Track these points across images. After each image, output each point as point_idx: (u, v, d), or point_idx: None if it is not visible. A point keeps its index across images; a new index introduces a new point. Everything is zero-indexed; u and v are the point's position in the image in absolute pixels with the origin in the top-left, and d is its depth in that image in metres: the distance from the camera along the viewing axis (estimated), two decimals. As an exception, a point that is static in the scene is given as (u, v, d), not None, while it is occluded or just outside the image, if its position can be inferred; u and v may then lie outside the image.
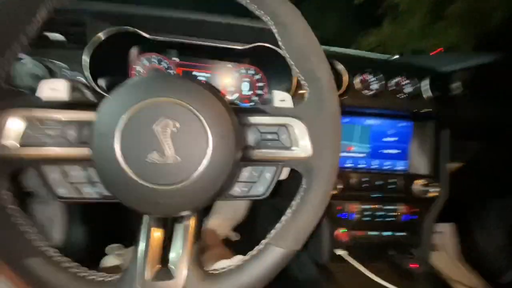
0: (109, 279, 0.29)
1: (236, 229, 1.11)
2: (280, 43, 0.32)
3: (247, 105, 0.74)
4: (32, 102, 0.28)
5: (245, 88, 0.73)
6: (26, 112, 0.27)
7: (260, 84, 0.73)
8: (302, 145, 0.32)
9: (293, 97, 0.61)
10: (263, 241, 0.32)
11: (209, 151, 0.28)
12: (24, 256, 0.27)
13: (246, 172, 0.34)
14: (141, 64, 0.68)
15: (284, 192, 0.49)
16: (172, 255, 0.32)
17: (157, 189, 0.27)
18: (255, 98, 0.74)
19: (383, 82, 0.67)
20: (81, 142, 0.29)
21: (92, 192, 0.30)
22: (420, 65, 0.75)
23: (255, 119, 0.33)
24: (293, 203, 0.32)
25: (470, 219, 0.97)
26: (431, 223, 0.75)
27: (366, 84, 0.67)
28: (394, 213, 0.71)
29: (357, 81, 0.66)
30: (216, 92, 0.31)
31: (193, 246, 0.31)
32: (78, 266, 0.29)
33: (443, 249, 1.18)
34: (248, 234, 1.09)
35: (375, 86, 0.67)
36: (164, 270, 0.30)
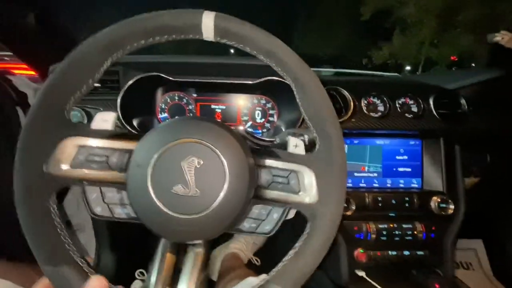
0: None
1: (257, 254, 1.14)
2: (297, 100, 0.36)
3: (259, 132, 0.79)
4: (84, 132, 0.34)
5: (258, 116, 0.79)
6: (80, 140, 0.33)
7: (272, 111, 0.79)
8: (309, 191, 0.35)
9: (302, 123, 0.66)
10: (263, 277, 0.34)
11: (225, 187, 0.32)
12: (60, 262, 0.30)
13: (255, 210, 0.37)
14: (165, 102, 0.76)
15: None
16: (181, 280, 0.35)
17: (177, 217, 0.31)
18: (268, 125, 0.79)
19: (390, 103, 0.70)
20: (120, 168, 0.34)
21: (122, 213, 0.35)
22: (425, 84, 0.78)
23: (269, 162, 0.36)
24: (296, 245, 0.34)
25: (497, 234, 0.93)
26: (452, 240, 0.73)
27: (373, 107, 0.70)
28: (412, 232, 0.71)
29: (363, 104, 0.70)
30: (237, 135, 0.35)
31: (201, 274, 0.35)
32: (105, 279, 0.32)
33: (477, 266, 1.12)
34: (268, 259, 1.10)
35: (381, 108, 0.70)
36: None
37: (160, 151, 0.32)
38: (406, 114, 0.71)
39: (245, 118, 0.79)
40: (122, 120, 0.63)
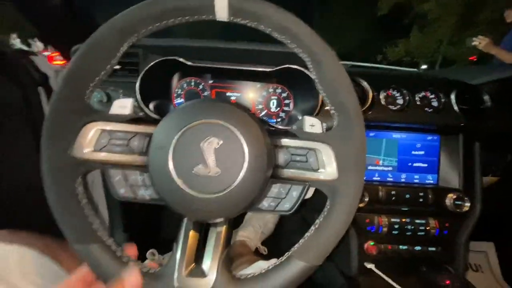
0: (152, 271, 0.33)
1: (264, 243, 1.15)
2: (314, 76, 0.35)
3: (274, 121, 0.79)
4: (105, 117, 0.35)
5: (273, 105, 0.79)
6: (101, 125, 0.34)
7: (287, 101, 0.78)
8: (328, 168, 0.35)
9: (318, 113, 0.66)
10: (286, 254, 0.34)
11: (245, 167, 0.32)
12: (89, 241, 0.32)
13: (275, 189, 0.36)
14: (181, 87, 0.77)
15: (310, 209, 0.51)
16: (205, 257, 0.36)
17: (199, 196, 0.32)
18: (282, 114, 0.79)
19: (409, 96, 0.69)
20: (140, 151, 0.35)
21: (145, 194, 0.35)
22: (447, 79, 0.75)
23: (286, 142, 0.36)
24: (317, 221, 0.35)
25: (509, 238, 0.91)
26: (465, 239, 0.72)
27: (391, 99, 0.69)
28: (425, 227, 0.70)
29: (382, 96, 0.68)
30: (254, 117, 0.35)
31: (223, 251, 0.35)
32: (128, 257, 0.34)
33: (486, 269, 1.10)
34: (275, 248, 1.11)
35: (400, 101, 0.69)
36: (198, 269, 0.34)
37: (180, 133, 0.32)
38: (426, 108, 0.69)
39: (260, 106, 0.79)
40: (141, 103, 0.64)
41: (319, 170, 0.35)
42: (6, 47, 0.70)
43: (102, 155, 0.34)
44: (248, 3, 0.33)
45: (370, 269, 0.68)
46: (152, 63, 0.64)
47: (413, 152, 0.74)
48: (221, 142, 0.32)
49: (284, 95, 0.78)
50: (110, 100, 0.65)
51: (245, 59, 0.70)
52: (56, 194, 0.32)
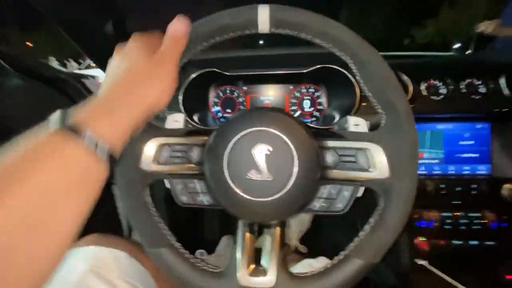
0: (216, 270, 0.36)
1: (301, 241, 1.16)
2: (358, 77, 0.36)
3: (308, 120, 0.80)
4: (164, 133, 0.38)
5: (306, 105, 0.79)
6: (162, 140, 0.37)
7: (321, 100, 0.78)
8: (380, 167, 0.34)
9: (357, 111, 0.65)
10: (342, 253, 0.35)
11: (295, 172, 0.33)
12: (160, 245, 0.36)
13: (325, 190, 0.37)
14: (217, 95, 0.80)
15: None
16: (263, 257, 0.37)
17: (254, 200, 0.34)
18: (317, 113, 0.79)
19: (453, 85, 0.65)
20: (198, 162, 0.37)
21: (204, 200, 0.39)
22: (492, 61, 0.70)
23: (333, 143, 0.37)
24: (371, 220, 0.35)
25: None
26: None
27: (434, 90, 0.66)
28: (480, 221, 0.66)
29: (423, 87, 0.66)
30: (301, 122, 0.37)
31: (280, 251, 0.36)
32: (195, 258, 0.37)
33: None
34: (313, 246, 1.11)
35: (443, 90, 0.66)
36: (258, 268, 0.36)
37: (232, 142, 0.34)
38: (473, 96, 0.65)
39: (294, 107, 0.79)
40: (186, 116, 0.69)
41: (370, 170, 0.35)
42: (58, 72, 0.78)
43: (165, 167, 0.37)
44: (289, 14, 0.34)
45: (423, 266, 0.66)
46: (194, 75, 0.68)
47: (461, 143, 0.70)
48: (270, 148, 0.34)
49: (317, 94, 0.78)
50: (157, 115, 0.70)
51: (276, 63, 0.72)
52: (131, 205, 0.36)
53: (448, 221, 0.66)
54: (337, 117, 0.72)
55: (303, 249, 1.13)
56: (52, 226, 0.23)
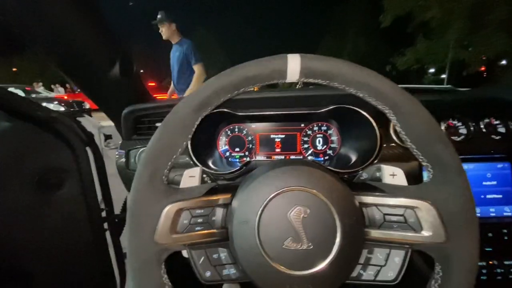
0: None
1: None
2: (399, 128, 0.33)
3: (321, 159, 0.75)
4: (182, 195, 0.33)
5: (319, 143, 0.76)
6: (180, 204, 0.32)
7: (333, 138, 0.75)
8: (434, 228, 0.31)
9: (380, 150, 0.61)
10: None
11: (338, 235, 0.29)
12: None
13: (370, 254, 0.33)
14: (225, 134, 0.76)
15: None
16: None
17: (291, 274, 0.29)
18: (330, 152, 0.75)
19: (472, 126, 0.64)
20: (220, 225, 0.33)
21: (230, 273, 0.33)
22: (508, 100, 0.70)
23: (375, 200, 0.33)
24: None
25: None
26: None
27: (453, 130, 0.64)
28: (518, 269, 0.61)
29: (442, 127, 0.64)
30: (336, 176, 0.33)
31: None
32: None
33: None
34: None
35: (463, 130, 0.64)
36: None
37: (263, 205, 0.30)
38: (492, 136, 0.64)
39: (306, 146, 0.76)
40: (196, 162, 0.63)
41: (422, 231, 0.31)
42: (53, 112, 0.71)
43: (186, 236, 0.32)
44: (319, 64, 0.32)
45: None
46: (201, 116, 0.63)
47: (484, 183, 0.67)
48: (308, 210, 0.30)
49: (330, 132, 0.75)
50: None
51: (289, 104, 0.69)
52: (144, 284, 0.30)
53: (483, 271, 0.61)
54: (353, 158, 0.68)
55: None
56: None
